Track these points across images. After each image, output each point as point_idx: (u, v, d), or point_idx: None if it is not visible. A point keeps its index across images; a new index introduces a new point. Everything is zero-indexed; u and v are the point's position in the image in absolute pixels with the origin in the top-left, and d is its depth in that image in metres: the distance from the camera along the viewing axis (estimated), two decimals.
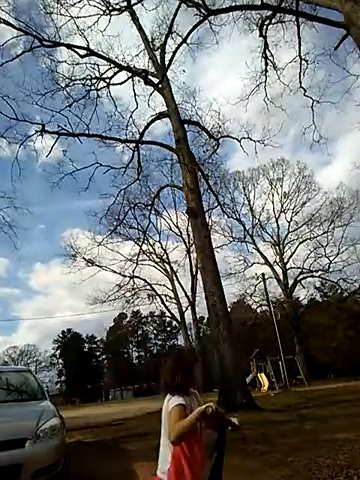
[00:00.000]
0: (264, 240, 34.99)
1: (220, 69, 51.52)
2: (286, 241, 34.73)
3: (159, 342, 60.14)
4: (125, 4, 14.76)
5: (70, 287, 77.44)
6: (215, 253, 13.13)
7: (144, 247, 27.11)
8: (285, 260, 34.21)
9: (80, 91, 15.05)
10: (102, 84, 15.32)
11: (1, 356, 53.86)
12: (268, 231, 35.20)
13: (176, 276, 30.51)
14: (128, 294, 28.23)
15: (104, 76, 15.22)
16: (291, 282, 33.67)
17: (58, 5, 13.92)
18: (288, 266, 34.00)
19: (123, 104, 59.96)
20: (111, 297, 27.66)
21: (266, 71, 14.43)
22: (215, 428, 1.97)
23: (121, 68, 15.07)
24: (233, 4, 11.97)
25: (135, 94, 15.83)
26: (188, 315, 31.17)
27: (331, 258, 31.71)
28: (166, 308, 30.73)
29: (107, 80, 15.29)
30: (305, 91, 14.22)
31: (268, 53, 13.94)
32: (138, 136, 15.56)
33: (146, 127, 15.75)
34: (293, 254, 33.96)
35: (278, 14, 12.29)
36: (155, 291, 29.83)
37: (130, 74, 15.37)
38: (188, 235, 28.90)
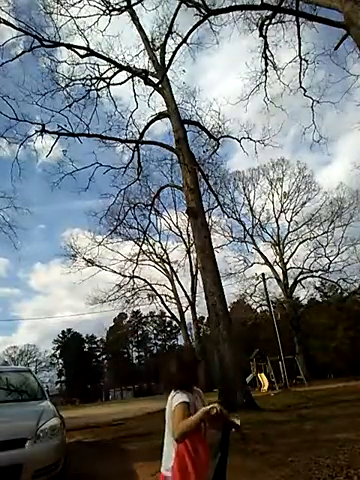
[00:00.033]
0: (264, 240, 35.07)
1: (220, 69, 51.59)
2: (286, 241, 34.79)
3: (159, 342, 60.19)
4: (125, 4, 14.77)
5: (70, 287, 77.53)
6: (215, 253, 13.14)
7: (144, 247, 27.15)
8: (285, 260, 34.25)
9: (80, 91, 15.10)
10: (102, 84, 15.35)
11: (1, 356, 53.96)
12: (268, 231, 35.29)
13: (176, 276, 30.56)
14: (128, 294, 28.28)
15: (104, 76, 15.24)
16: (291, 282, 33.73)
17: (58, 5, 13.96)
18: (288, 266, 34.07)
19: (123, 104, 60.06)
20: (111, 297, 27.72)
21: (266, 71, 14.45)
22: (219, 428, 1.98)
23: (121, 68, 15.07)
24: (233, 4, 11.98)
25: (135, 94, 15.86)
26: (188, 315, 31.23)
27: (331, 258, 31.79)
28: (166, 308, 30.78)
29: (107, 80, 15.30)
30: (305, 91, 14.24)
31: (268, 53, 13.97)
32: (138, 136, 15.57)
33: (146, 127, 15.76)
34: (293, 254, 34.05)
35: (278, 14, 12.30)
36: (155, 291, 29.86)
37: (130, 74, 15.38)
38: (188, 235, 28.94)
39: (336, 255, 31.64)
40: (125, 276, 27.05)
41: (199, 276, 18.95)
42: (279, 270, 33.77)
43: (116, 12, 14.93)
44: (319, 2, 9.41)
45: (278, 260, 34.22)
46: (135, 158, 15.38)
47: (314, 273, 32.93)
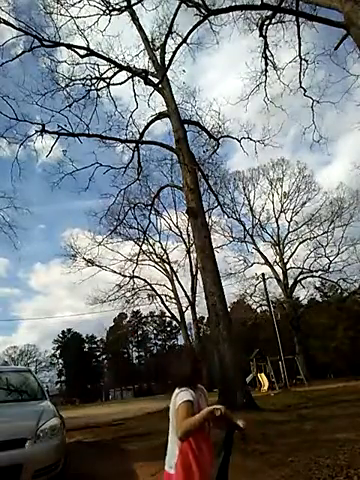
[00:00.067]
0: (264, 240, 35.05)
1: (220, 69, 51.57)
2: (286, 241, 34.78)
3: (159, 342, 60.21)
4: (125, 4, 14.77)
5: (70, 287, 77.54)
6: (215, 253, 13.14)
7: (144, 247, 27.06)
8: (285, 260, 34.24)
9: (80, 91, 15.08)
10: (102, 84, 15.34)
11: (1, 356, 53.98)
12: (268, 231, 35.26)
13: (176, 276, 30.47)
14: (128, 294, 28.17)
15: (104, 76, 15.23)
16: (291, 282, 33.71)
17: (58, 5, 13.94)
18: (288, 266, 34.05)
19: (123, 104, 60.01)
20: (111, 297, 27.60)
21: (266, 71, 14.45)
22: (222, 428, 1.99)
23: (121, 68, 15.07)
24: (233, 4, 11.97)
25: (135, 94, 15.85)
26: (188, 315, 31.12)
27: (331, 258, 31.76)
28: (166, 308, 30.69)
29: (107, 80, 15.29)
30: (305, 91, 14.23)
31: (268, 53, 13.97)
32: (138, 136, 15.57)
33: (146, 127, 15.76)
34: (293, 254, 34.02)
35: (278, 14, 12.29)
36: (155, 291, 29.79)
37: (130, 74, 15.37)
38: (188, 235, 28.84)
39: (336, 255, 31.67)
40: (125, 276, 27.00)
41: (199, 276, 18.95)
42: (279, 270, 33.82)
43: (116, 12, 14.92)
44: (319, 2, 9.41)
45: (278, 260, 34.23)
46: (135, 158, 15.40)
47: (314, 273, 32.93)
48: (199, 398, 2.02)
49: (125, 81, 15.72)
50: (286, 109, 23.55)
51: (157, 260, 30.90)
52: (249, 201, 33.72)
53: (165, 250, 30.80)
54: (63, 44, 13.84)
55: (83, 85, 14.82)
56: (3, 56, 12.73)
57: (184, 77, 48.37)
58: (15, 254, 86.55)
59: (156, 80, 14.77)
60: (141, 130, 15.64)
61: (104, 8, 14.72)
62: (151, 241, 29.52)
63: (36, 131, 12.82)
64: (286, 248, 34.75)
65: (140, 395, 47.67)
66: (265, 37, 12.97)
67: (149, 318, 47.78)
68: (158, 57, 15.90)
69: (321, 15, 10.20)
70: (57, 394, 49.79)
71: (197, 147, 17.05)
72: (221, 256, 32.23)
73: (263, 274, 28.51)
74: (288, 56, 23.08)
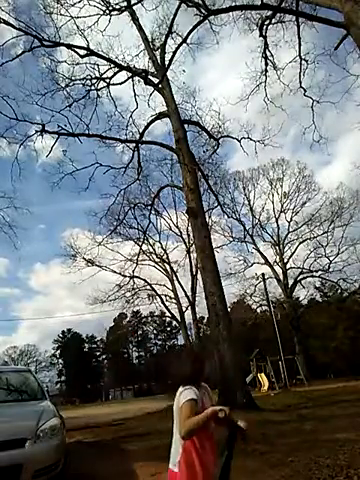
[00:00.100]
0: (264, 240, 35.02)
1: (220, 69, 51.56)
2: (286, 241, 34.76)
3: (159, 342, 60.18)
4: (125, 4, 14.76)
5: (70, 287, 77.49)
6: (215, 253, 13.15)
7: (144, 247, 27.02)
8: (285, 260, 34.22)
9: (80, 91, 15.09)
10: (102, 84, 15.35)
11: (1, 356, 53.94)
12: (268, 231, 35.23)
13: (176, 276, 30.42)
14: (128, 294, 28.14)
15: (104, 76, 15.23)
16: (291, 282, 33.70)
17: (58, 5, 13.95)
18: (288, 266, 34.03)
19: (123, 104, 59.99)
20: (111, 297, 27.56)
21: (266, 71, 14.44)
22: (225, 428, 1.99)
23: (121, 68, 15.07)
24: (233, 4, 11.97)
25: (135, 94, 15.86)
26: (188, 315, 31.07)
27: (331, 258, 31.74)
28: (166, 308, 30.65)
29: (107, 80, 15.30)
30: (305, 91, 14.23)
31: (268, 53, 13.97)
32: (138, 136, 15.57)
33: (146, 127, 15.76)
34: (293, 254, 33.99)
35: (278, 14, 12.29)
36: (155, 291, 29.75)
37: (130, 74, 15.38)
38: (188, 235, 28.79)
39: (336, 255, 31.65)
40: (125, 276, 26.97)
41: (199, 276, 18.94)
42: (279, 270, 33.79)
43: (116, 12, 14.93)
44: (319, 2, 9.41)
45: (278, 260, 34.22)
46: (135, 158, 15.41)
47: (314, 273, 32.92)
48: (203, 396, 2.02)
49: (125, 81, 15.73)
50: (286, 109, 23.57)
51: (157, 260, 30.88)
52: (249, 201, 33.74)
53: (165, 250, 30.78)
54: (63, 44, 13.84)
55: (83, 85, 14.85)
56: (3, 56, 12.77)
57: (184, 77, 48.36)
58: (15, 254, 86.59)
59: (156, 80, 14.77)
60: (141, 130, 15.68)
61: (104, 8, 14.73)
62: (151, 241, 29.50)
63: (36, 131, 12.85)
64: (286, 248, 34.79)
65: (140, 395, 47.66)
66: (265, 37, 12.97)
67: (149, 318, 47.79)
68: (158, 57, 15.90)
69: (321, 15, 10.21)
70: (57, 394, 49.77)
71: (197, 147, 17.09)
72: (221, 256, 32.24)
73: (263, 274, 28.53)
74: (288, 56, 23.09)
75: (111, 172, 15.15)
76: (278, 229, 35.02)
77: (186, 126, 15.37)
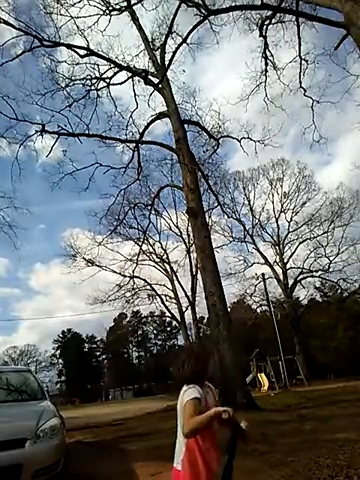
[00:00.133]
0: (264, 240, 35.04)
1: (220, 69, 51.54)
2: (286, 241, 34.77)
3: (159, 342, 60.17)
4: (125, 4, 14.76)
5: (70, 287, 77.49)
6: (215, 253, 13.13)
7: (144, 247, 27.07)
8: (285, 260, 34.23)
9: (80, 91, 15.09)
10: (102, 84, 15.35)
11: (1, 356, 53.95)
12: (268, 231, 35.25)
13: (176, 276, 30.46)
14: (128, 294, 28.19)
15: (104, 76, 15.23)
16: (291, 282, 33.71)
17: (58, 5, 13.95)
18: (288, 266, 34.04)
19: (123, 104, 60.01)
20: (111, 297, 27.60)
21: (266, 71, 14.44)
22: (229, 428, 2.00)
23: (121, 68, 15.07)
24: (233, 4, 11.97)
25: (135, 94, 15.86)
26: (188, 315, 31.10)
27: (331, 258, 31.75)
28: (166, 308, 30.68)
29: (107, 80, 15.29)
30: (305, 91, 14.23)
31: (268, 53, 13.96)
32: (138, 136, 15.57)
33: (146, 127, 15.76)
34: (293, 254, 34.01)
35: (278, 14, 12.28)
36: (155, 291, 29.78)
37: (130, 74, 15.38)
38: (188, 235, 28.83)
39: (336, 255, 31.66)
40: (125, 276, 27.01)
41: (199, 276, 18.93)
42: (279, 270, 33.80)
43: (116, 12, 14.92)
44: (319, 2, 9.40)
45: (278, 260, 34.23)
46: (135, 158, 15.40)
47: (314, 273, 32.92)
48: (206, 395, 2.03)
49: (125, 81, 15.73)
50: (286, 109, 23.63)
51: (157, 260, 30.91)
52: (249, 201, 33.76)
53: (165, 250, 30.82)
54: (63, 44, 13.84)
55: (83, 85, 14.84)
56: (3, 56, 12.76)
57: (184, 77, 48.39)
58: (15, 254, 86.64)
59: (156, 80, 14.76)
60: (141, 130, 15.67)
61: (104, 8, 14.72)
62: (151, 241, 29.55)
63: (36, 131, 12.84)
64: (286, 248, 34.80)
65: (140, 395, 47.65)
66: (265, 37, 12.97)
67: (149, 318, 47.79)
68: (158, 57, 15.89)
69: (321, 15, 10.19)
70: (57, 394, 49.80)
71: (197, 147, 17.08)
72: (221, 256, 32.24)
73: (263, 274, 28.55)
74: (288, 56, 23.04)
75: (111, 172, 15.17)
76: (278, 229, 35.10)
77: (186, 126, 15.37)
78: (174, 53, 11.99)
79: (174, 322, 42.78)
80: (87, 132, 13.84)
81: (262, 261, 33.54)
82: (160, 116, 15.78)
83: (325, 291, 37.01)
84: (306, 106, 14.70)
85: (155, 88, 15.24)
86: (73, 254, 27.02)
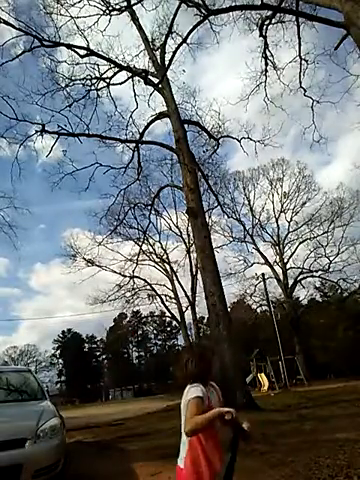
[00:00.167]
0: (264, 240, 35.03)
1: (220, 69, 51.53)
2: (286, 241, 34.76)
3: (159, 342, 60.14)
4: (125, 4, 14.75)
5: (70, 287, 77.53)
6: (215, 253, 13.13)
7: (144, 247, 27.06)
8: (285, 260, 34.22)
9: (80, 91, 15.10)
10: (102, 84, 15.35)
11: (1, 356, 53.94)
12: (268, 231, 35.24)
13: (176, 276, 30.43)
14: (128, 294, 28.16)
15: (104, 76, 15.23)
16: (291, 282, 33.69)
17: (58, 5, 13.95)
18: (288, 266, 34.03)
19: (123, 104, 60.15)
20: (111, 297, 27.58)
21: (266, 71, 14.44)
22: (231, 428, 2.01)
23: (121, 68, 15.07)
24: (233, 4, 11.96)
25: (135, 94, 15.86)
26: (188, 315, 31.08)
27: (331, 258, 31.74)
28: (166, 308, 30.66)
29: (107, 80, 15.30)
30: (305, 91, 14.22)
31: (268, 53, 13.96)
32: (138, 136, 15.57)
33: (146, 127, 15.76)
34: (293, 254, 33.99)
35: (278, 14, 12.28)
36: (155, 291, 29.76)
37: (130, 74, 15.38)
38: (188, 235, 28.80)
39: (336, 255, 31.65)
40: (125, 276, 26.99)
41: (199, 276, 18.93)
42: (279, 270, 33.79)
43: (116, 12, 14.92)
44: (319, 2, 9.40)
45: (278, 260, 34.22)
46: (135, 158, 15.41)
47: (314, 273, 32.91)
48: (210, 394, 2.04)
49: (125, 81, 15.73)
50: (286, 109, 23.69)
51: (157, 260, 30.89)
52: (249, 201, 33.74)
53: (165, 250, 30.79)
54: (63, 44, 13.84)
55: (83, 85, 14.85)
56: (3, 56, 12.76)
57: (184, 77, 48.53)
58: (15, 254, 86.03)
59: (156, 80, 14.76)
60: (141, 130, 15.67)
61: (104, 8, 14.72)
62: (151, 241, 29.52)
63: (36, 131, 12.84)
64: (286, 248, 34.80)
65: (140, 395, 47.64)
66: (265, 37, 12.97)
67: (149, 318, 47.76)
68: (158, 57, 15.89)
69: (321, 15, 10.19)
70: (57, 394, 49.79)
71: (197, 147, 17.09)
72: (221, 256, 32.25)
73: (263, 274, 28.56)
74: (288, 56, 23.07)
75: (111, 172, 15.17)
76: (278, 229, 35.08)
77: (186, 126, 15.37)
78: (174, 53, 11.99)
79: (174, 322, 42.78)
80: (87, 132, 13.86)
81: (262, 261, 33.57)
82: (160, 116, 15.78)
83: (325, 291, 37.01)
84: (306, 106, 14.73)
85: (155, 88, 15.24)
86: (73, 254, 27.02)
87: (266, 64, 14.19)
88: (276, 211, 34.31)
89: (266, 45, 13.58)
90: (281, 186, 33.81)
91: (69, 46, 13.90)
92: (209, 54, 64.84)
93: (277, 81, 14.97)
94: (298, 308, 34.81)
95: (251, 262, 33.51)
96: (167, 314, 32.44)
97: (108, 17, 14.84)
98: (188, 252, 29.34)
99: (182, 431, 2.03)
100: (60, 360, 58.18)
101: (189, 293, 29.93)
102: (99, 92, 15.24)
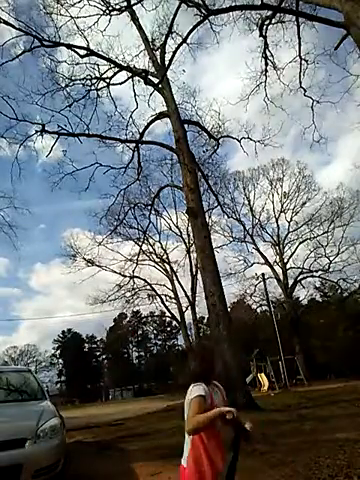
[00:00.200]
0: (264, 240, 35.02)
1: (220, 69, 51.49)
2: (286, 241, 34.76)
3: (159, 342, 60.10)
4: (125, 4, 14.75)
5: (70, 287, 77.49)
6: (215, 253, 13.14)
7: (144, 247, 27.07)
8: (285, 260, 34.22)
9: (80, 91, 15.11)
10: (102, 84, 15.36)
11: (1, 356, 53.92)
12: (268, 231, 35.22)
13: (176, 276, 30.42)
14: (128, 294, 28.16)
15: (104, 76, 15.23)
16: (291, 282, 33.69)
17: (58, 5, 13.96)
18: (288, 266, 34.03)
19: (123, 104, 60.14)
20: (111, 297, 27.58)
21: (266, 71, 14.44)
22: (232, 428, 2.02)
23: (121, 68, 15.07)
24: (233, 4, 11.96)
25: (135, 94, 15.86)
26: (188, 315, 31.09)
27: (331, 258, 31.75)
28: (166, 308, 30.66)
29: (107, 80, 15.30)
30: (305, 91, 14.23)
31: (268, 53, 13.96)
32: (138, 136, 15.58)
33: (146, 127, 15.76)
34: (293, 254, 34.00)
35: (278, 14, 12.28)
36: (155, 291, 29.76)
37: (130, 74, 15.38)
38: (188, 235, 28.81)
39: (336, 255, 31.65)
40: (125, 276, 27.00)
41: (199, 276, 18.93)
42: (279, 270, 33.79)
43: (116, 12, 14.91)
44: (319, 2, 9.39)
45: (278, 260, 34.22)
46: (135, 158, 15.42)
47: (314, 273, 32.91)
48: (213, 394, 2.04)
49: (125, 81, 15.74)
50: (286, 109, 23.74)
51: (157, 260, 30.88)
52: (249, 201, 33.74)
53: (165, 250, 30.79)
54: (63, 44, 13.84)
55: (83, 85, 14.85)
56: (3, 56, 12.77)
57: (184, 77, 48.60)
58: (15, 254, 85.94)
59: (156, 80, 14.76)
60: (141, 130, 15.68)
61: (104, 8, 14.72)
62: (151, 241, 29.52)
63: (36, 131, 12.85)
64: (286, 248, 34.80)
65: (140, 395, 47.63)
66: (265, 37, 12.97)
67: (149, 318, 47.77)
68: (158, 57, 15.89)
69: (321, 15, 10.19)
70: (57, 394, 49.77)
71: (197, 147, 17.11)
72: (221, 256, 32.25)
73: (263, 274, 28.56)
74: (288, 56, 23.06)
75: (111, 172, 15.18)
76: (278, 229, 35.08)
77: (186, 126, 15.38)
78: (174, 53, 11.98)
79: (174, 322, 42.76)
80: (87, 132, 13.87)
81: (262, 261, 33.57)
82: (160, 116, 15.78)
83: (325, 291, 37.01)
84: (306, 106, 14.74)
85: (155, 88, 15.24)
86: (73, 254, 27.04)
87: (266, 64, 14.21)
88: (276, 211, 34.36)
89: (266, 45, 13.60)
90: (281, 186, 33.86)
91: (69, 46, 13.90)
92: (209, 54, 64.95)
93: (277, 81, 15.01)
94: (298, 308, 34.81)
95: (251, 262, 33.57)
96: (167, 314, 32.45)
97: (108, 17, 14.86)
98: (188, 252, 29.35)
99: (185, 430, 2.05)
100: (60, 360, 58.19)
101: (189, 293, 29.95)
102: (99, 92, 15.28)
